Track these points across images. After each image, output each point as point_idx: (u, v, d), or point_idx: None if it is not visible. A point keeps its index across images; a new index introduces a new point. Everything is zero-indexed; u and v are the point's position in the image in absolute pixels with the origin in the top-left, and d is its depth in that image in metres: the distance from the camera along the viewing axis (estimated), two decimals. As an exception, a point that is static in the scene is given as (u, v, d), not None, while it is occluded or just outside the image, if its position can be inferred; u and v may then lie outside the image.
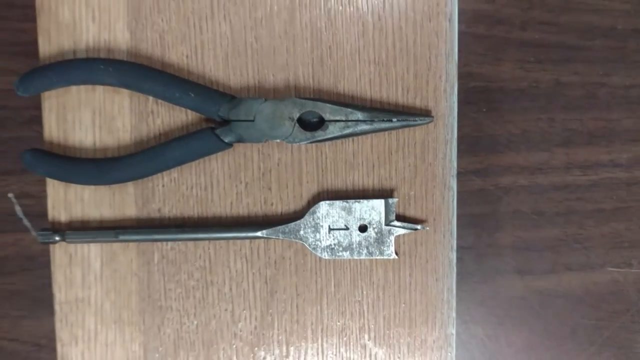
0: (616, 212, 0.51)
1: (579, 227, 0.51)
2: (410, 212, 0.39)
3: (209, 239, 0.39)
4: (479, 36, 0.50)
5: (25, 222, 0.42)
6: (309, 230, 0.38)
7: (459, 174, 0.39)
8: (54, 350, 0.49)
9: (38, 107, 0.39)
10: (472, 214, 0.51)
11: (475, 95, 0.50)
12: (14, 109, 0.47)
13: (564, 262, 0.51)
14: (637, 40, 0.50)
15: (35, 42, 0.39)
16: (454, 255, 0.39)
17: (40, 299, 0.49)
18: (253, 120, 0.37)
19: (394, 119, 0.37)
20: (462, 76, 0.47)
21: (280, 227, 0.38)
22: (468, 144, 0.50)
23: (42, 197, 0.42)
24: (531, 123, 0.50)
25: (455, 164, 0.39)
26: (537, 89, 0.50)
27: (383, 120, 0.37)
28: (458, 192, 0.39)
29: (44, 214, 0.40)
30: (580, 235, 0.51)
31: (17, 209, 0.46)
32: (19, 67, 0.47)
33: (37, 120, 0.42)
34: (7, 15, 0.47)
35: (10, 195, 0.48)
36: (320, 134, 0.37)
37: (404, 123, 0.38)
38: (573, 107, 0.50)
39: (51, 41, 0.38)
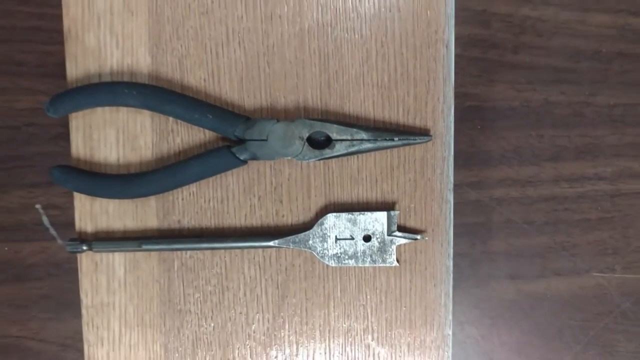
0: (601, 222, 0.51)
1: (566, 235, 0.51)
2: (411, 223, 0.40)
3: (225, 248, 0.40)
4: (474, 59, 0.50)
5: (52, 231, 0.42)
6: (317, 240, 0.39)
7: (455, 186, 0.40)
8: (78, 350, 0.49)
9: (64, 125, 0.40)
10: (468, 224, 0.51)
11: (471, 114, 0.50)
12: (41, 126, 0.48)
13: (552, 268, 0.51)
14: (621, 62, 0.50)
15: (60, 64, 0.39)
16: (450, 262, 0.40)
17: (65, 303, 0.50)
18: (266, 140, 0.38)
19: (396, 138, 0.39)
20: (458, 96, 0.47)
21: (291, 237, 0.39)
22: (464, 159, 0.50)
23: (67, 208, 0.43)
24: (522, 139, 0.50)
25: (451, 179, 0.40)
26: (527, 108, 0.50)
27: (385, 139, 0.38)
28: (454, 203, 0.40)
29: (69, 224, 0.41)
30: (567, 243, 0.51)
31: (44, 219, 0.47)
32: (46, 87, 0.48)
33: (62, 136, 0.42)
34: (34, 39, 0.48)
35: (37, 206, 0.48)
36: (327, 152, 0.38)
37: (405, 142, 0.39)
38: (561, 125, 0.50)
39: (78, 65, 0.40)
